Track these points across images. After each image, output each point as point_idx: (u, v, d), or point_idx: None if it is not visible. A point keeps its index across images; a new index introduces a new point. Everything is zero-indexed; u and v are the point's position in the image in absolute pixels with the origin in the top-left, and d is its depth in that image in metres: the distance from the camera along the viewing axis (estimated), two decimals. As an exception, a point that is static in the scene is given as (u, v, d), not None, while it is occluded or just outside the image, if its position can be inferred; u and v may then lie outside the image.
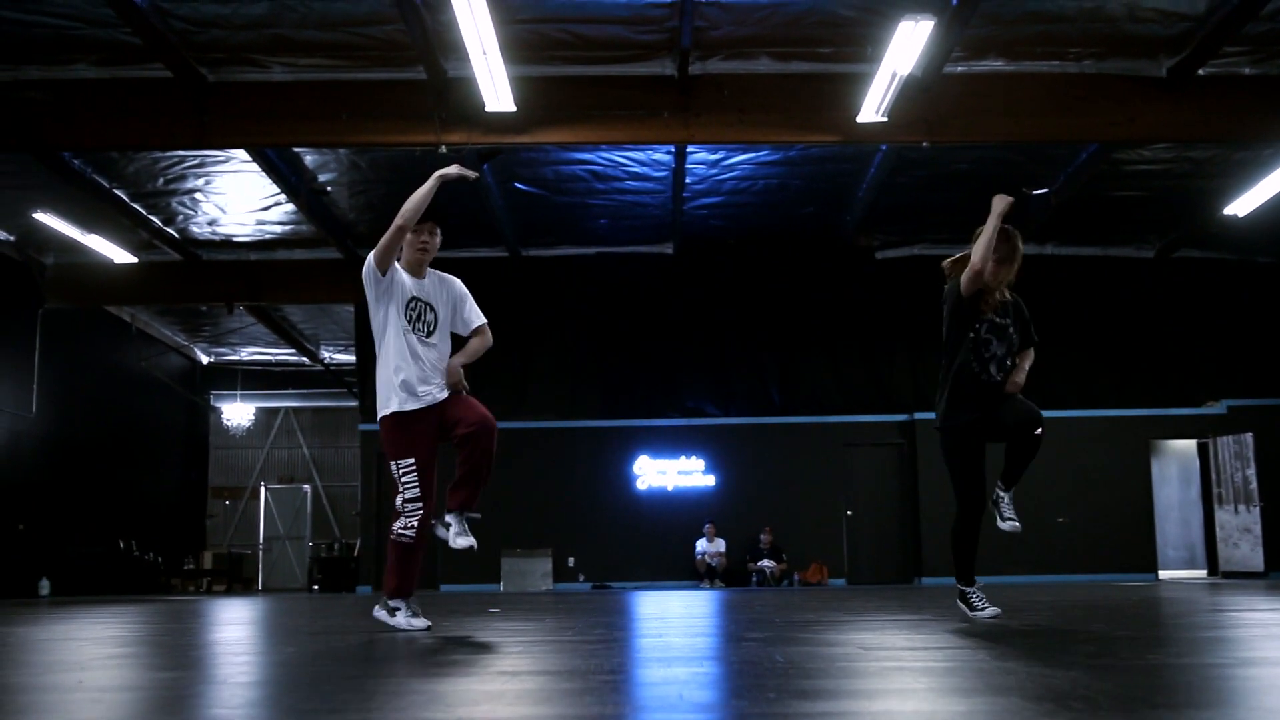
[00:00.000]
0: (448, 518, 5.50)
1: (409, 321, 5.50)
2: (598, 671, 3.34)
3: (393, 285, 5.49)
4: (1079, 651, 3.79)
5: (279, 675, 3.59)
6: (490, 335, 5.72)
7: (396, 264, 5.54)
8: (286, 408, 24.79)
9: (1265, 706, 2.42)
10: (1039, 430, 5.61)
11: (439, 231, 5.64)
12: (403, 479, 5.40)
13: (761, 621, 6.03)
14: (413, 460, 5.40)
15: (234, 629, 6.56)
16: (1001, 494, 5.79)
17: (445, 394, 5.52)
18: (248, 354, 24.54)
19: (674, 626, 5.90)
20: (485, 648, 4.48)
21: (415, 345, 5.48)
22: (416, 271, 5.60)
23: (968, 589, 5.57)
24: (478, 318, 5.71)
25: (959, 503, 5.57)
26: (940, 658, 3.66)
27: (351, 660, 4.01)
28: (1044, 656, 3.60)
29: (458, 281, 5.76)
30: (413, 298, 5.53)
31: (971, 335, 5.61)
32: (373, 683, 3.22)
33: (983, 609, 5.47)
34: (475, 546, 5.44)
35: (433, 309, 5.58)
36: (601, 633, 5.28)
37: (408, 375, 5.43)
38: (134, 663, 4.12)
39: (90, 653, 4.57)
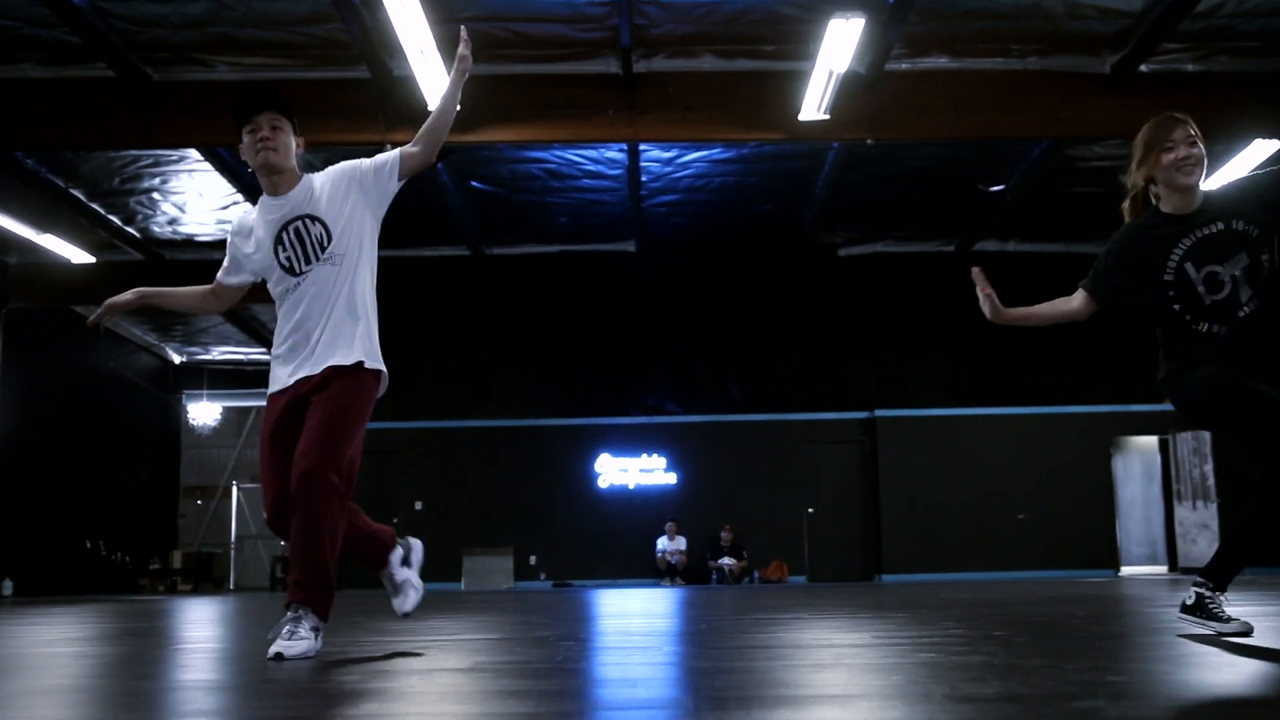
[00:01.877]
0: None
1: (285, 265, 3.96)
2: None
3: (249, 247, 4.05)
4: (895, 648, 3.82)
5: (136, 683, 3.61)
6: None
7: (249, 214, 4.14)
8: (259, 407, 24.74)
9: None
10: None
11: (285, 121, 4.03)
12: None
13: (651, 622, 6.06)
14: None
15: (147, 633, 6.59)
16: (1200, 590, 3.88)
17: (317, 371, 3.87)
18: (220, 353, 24.54)
19: (540, 627, 5.93)
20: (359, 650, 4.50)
21: (292, 296, 3.95)
22: (276, 186, 4.01)
23: (1210, 593, 3.84)
24: (392, 155, 4.06)
25: (1262, 432, 3.61)
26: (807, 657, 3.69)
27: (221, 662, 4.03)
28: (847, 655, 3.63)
29: (335, 165, 4.10)
30: (282, 227, 3.96)
31: (1169, 280, 3.83)
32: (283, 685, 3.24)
33: (1228, 621, 3.79)
34: (291, 655, 3.55)
35: (315, 219, 3.97)
36: (493, 633, 5.31)
37: (279, 347, 4.01)
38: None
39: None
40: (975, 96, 12.63)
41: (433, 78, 11.48)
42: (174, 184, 15.46)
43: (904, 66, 12.48)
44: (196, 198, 15.96)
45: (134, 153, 14.30)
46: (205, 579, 21.98)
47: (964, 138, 13.45)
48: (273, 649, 3.56)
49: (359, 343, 3.88)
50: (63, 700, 2.73)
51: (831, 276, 18.74)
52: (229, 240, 4.09)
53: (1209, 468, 16.93)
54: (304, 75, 12.43)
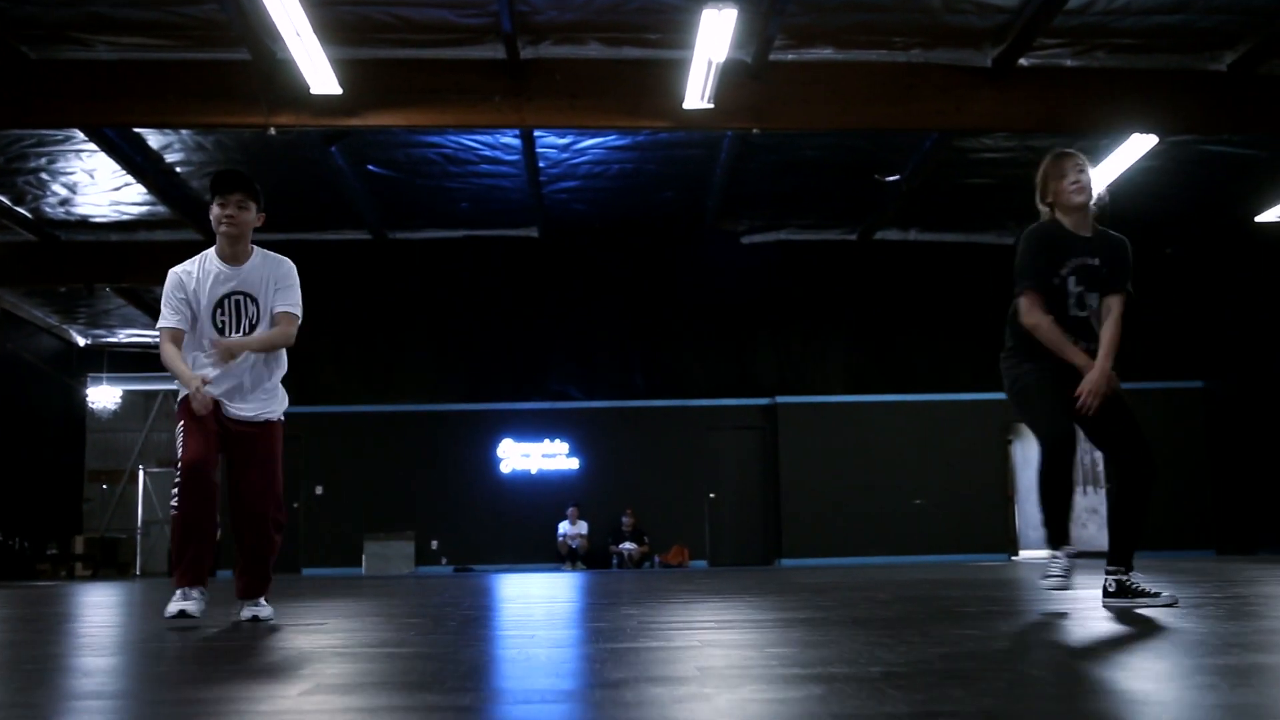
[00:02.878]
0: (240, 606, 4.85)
1: (218, 327, 4.70)
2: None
3: (190, 298, 4.70)
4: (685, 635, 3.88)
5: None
6: (294, 331, 4.75)
7: (195, 265, 4.77)
8: (165, 390, 24.45)
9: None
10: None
11: (252, 203, 4.70)
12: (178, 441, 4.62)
13: (550, 605, 6.09)
14: (182, 422, 4.61)
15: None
16: (1116, 576, 4.72)
17: (249, 414, 4.71)
18: (125, 335, 24.18)
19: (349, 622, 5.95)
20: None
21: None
22: (234, 257, 4.72)
23: (1055, 552, 4.73)
24: (284, 304, 4.73)
25: (1040, 440, 4.69)
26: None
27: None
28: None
29: (287, 262, 4.83)
30: (223, 296, 4.68)
31: (1056, 284, 4.71)
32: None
33: (1055, 576, 4.66)
34: (265, 616, 4.76)
35: (254, 299, 4.71)
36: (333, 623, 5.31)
37: (206, 362, 4.70)
38: None
39: None
40: (860, 88, 12.76)
41: (312, 61, 11.38)
42: (62, 164, 15.19)
43: (790, 57, 12.58)
44: (87, 178, 15.70)
45: (16, 132, 14.04)
46: (109, 564, 21.70)
47: (849, 128, 13.58)
48: (249, 615, 4.69)
49: (279, 396, 4.83)
50: None
51: (734, 263, 18.86)
52: (168, 295, 4.70)
53: (1099, 454, 17.25)
54: (185, 56, 12.27)
